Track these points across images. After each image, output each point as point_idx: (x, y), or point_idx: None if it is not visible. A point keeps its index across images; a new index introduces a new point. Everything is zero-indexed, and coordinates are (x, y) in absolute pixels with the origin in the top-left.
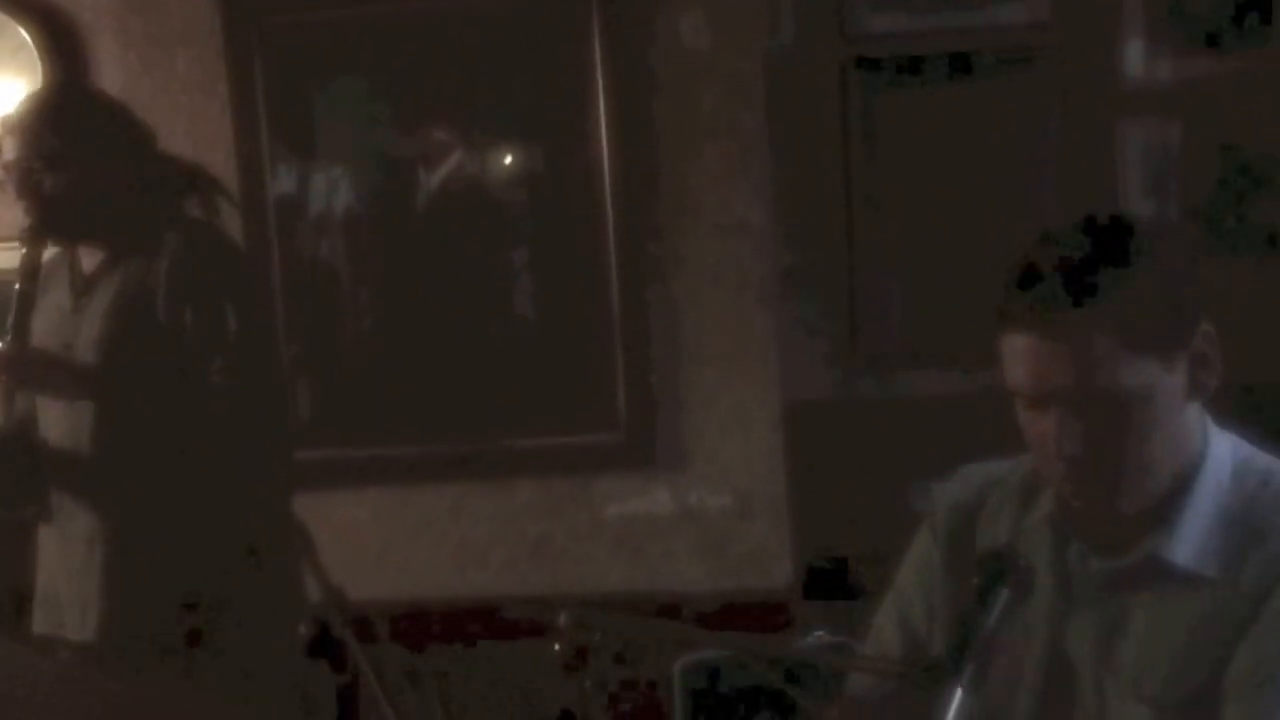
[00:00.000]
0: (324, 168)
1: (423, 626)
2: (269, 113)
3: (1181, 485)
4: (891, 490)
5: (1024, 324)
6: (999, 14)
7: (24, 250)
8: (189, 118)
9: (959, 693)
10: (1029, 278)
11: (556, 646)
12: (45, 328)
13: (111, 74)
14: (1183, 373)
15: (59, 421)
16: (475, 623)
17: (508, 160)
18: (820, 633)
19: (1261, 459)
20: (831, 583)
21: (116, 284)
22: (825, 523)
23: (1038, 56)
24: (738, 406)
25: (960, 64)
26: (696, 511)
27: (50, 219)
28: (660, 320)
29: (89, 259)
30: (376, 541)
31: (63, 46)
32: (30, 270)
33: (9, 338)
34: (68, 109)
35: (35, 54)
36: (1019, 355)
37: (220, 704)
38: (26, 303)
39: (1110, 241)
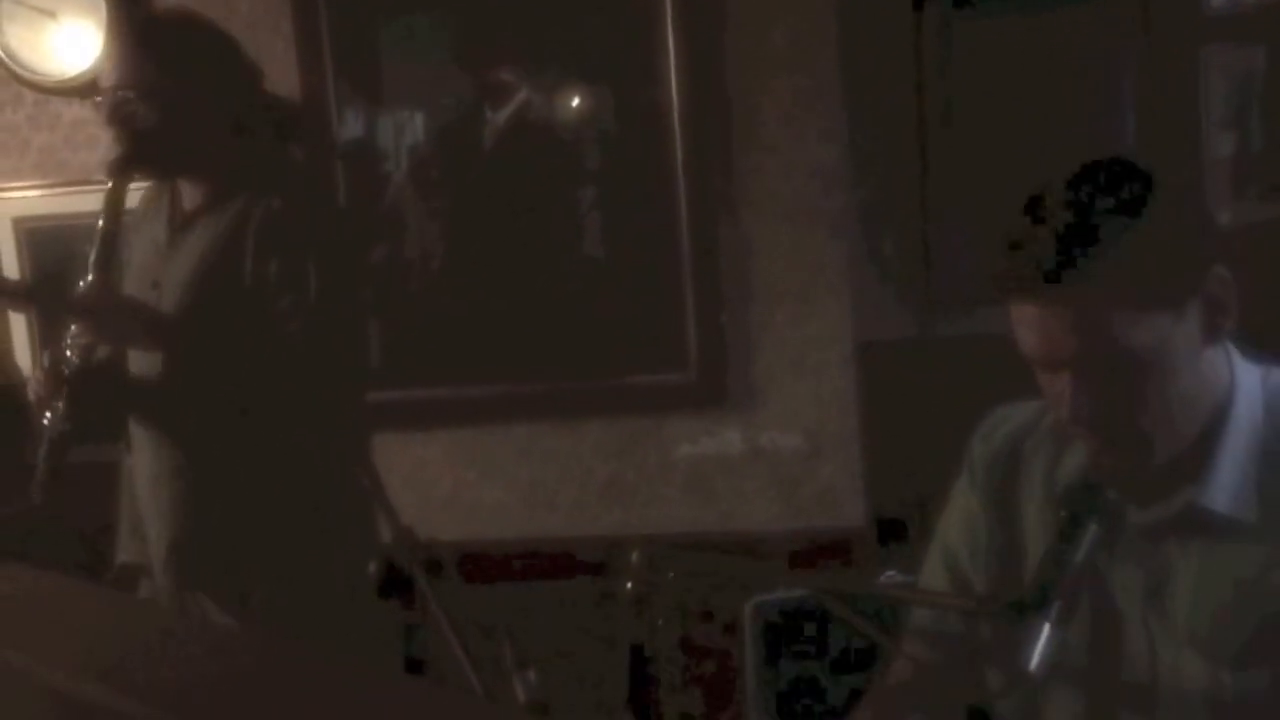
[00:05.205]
0: (390, 108)
1: (493, 567)
2: (334, 51)
3: (1213, 427)
4: (965, 429)
5: (1021, 293)
6: None
7: (109, 185)
8: (252, 56)
9: (1047, 628)
10: (1019, 244)
11: (628, 585)
12: (139, 262)
13: None
14: (1195, 319)
15: (143, 356)
16: (545, 563)
17: (576, 98)
18: (892, 573)
19: None
20: (904, 523)
21: (212, 225)
22: (898, 462)
23: None
24: (809, 345)
25: None
26: (768, 451)
27: (139, 151)
28: (731, 258)
29: (190, 195)
30: (446, 482)
31: None
32: (114, 207)
33: (90, 277)
34: (167, 35)
35: None
36: (1024, 323)
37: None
38: (109, 241)
39: (1103, 195)
